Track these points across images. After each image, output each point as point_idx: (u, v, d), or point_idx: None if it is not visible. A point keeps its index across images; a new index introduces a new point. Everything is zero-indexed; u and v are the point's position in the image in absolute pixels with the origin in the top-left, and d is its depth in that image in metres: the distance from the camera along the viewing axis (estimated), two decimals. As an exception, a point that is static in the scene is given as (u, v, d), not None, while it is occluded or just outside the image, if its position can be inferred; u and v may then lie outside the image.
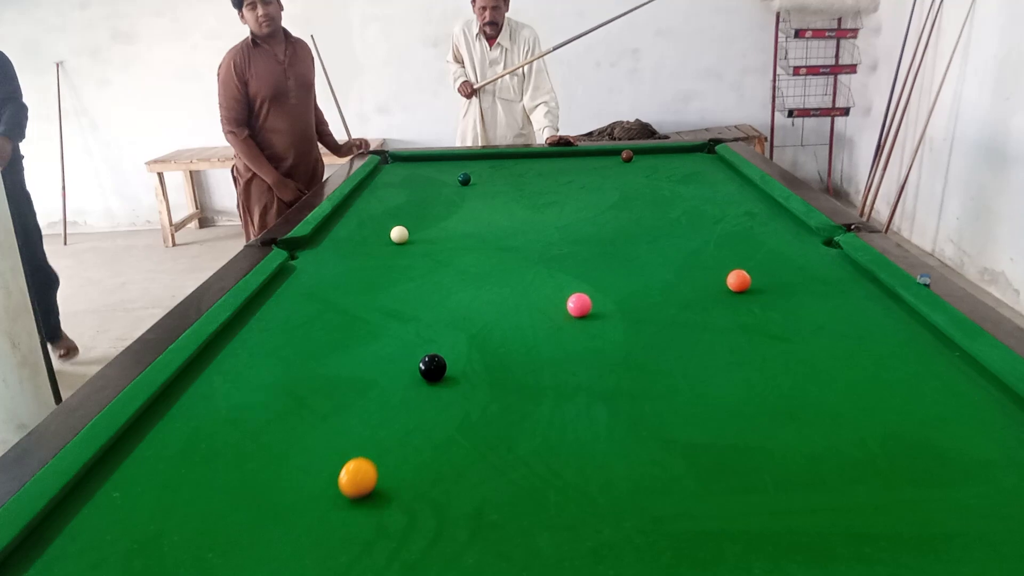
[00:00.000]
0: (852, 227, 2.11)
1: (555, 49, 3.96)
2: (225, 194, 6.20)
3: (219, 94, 3.27)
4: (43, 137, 5.91)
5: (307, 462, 1.19)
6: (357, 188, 2.98)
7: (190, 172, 6.00)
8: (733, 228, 2.32)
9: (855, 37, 5.43)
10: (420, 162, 3.53)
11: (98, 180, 6.16)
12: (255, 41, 3.27)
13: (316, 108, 3.57)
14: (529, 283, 1.94)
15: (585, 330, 1.64)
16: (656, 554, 0.96)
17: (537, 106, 3.91)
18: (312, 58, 3.48)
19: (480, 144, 4.02)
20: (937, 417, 1.24)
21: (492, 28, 3.84)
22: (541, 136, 3.84)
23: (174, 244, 5.75)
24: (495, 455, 1.18)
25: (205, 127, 5.96)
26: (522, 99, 3.99)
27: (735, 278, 1.78)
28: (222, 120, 3.29)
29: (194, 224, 6.15)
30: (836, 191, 5.94)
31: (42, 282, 3.58)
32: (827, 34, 5.46)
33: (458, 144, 4.16)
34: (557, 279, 1.95)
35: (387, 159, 3.55)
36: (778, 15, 5.50)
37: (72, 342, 3.87)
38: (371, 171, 3.27)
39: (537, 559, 0.96)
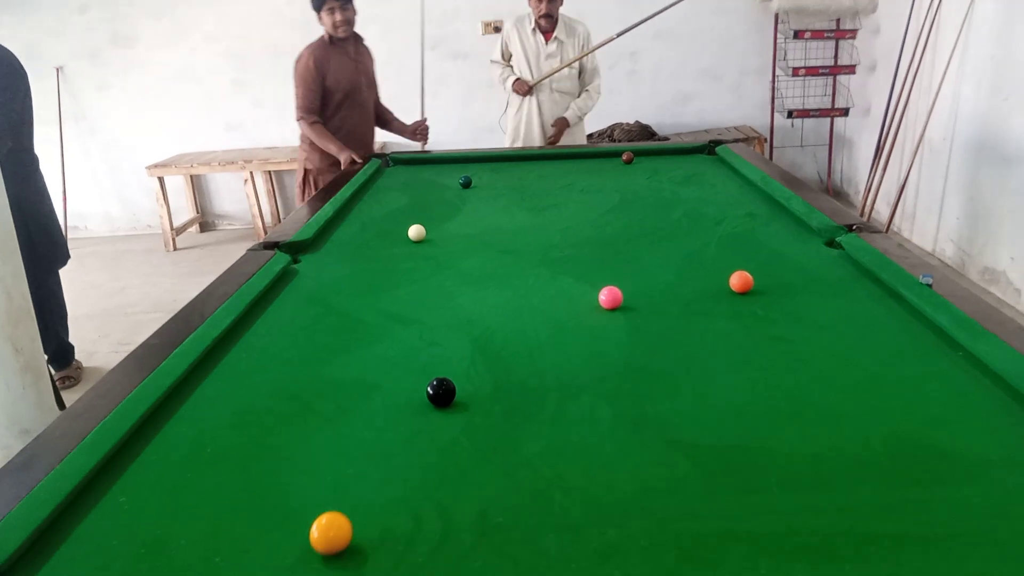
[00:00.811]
0: (853, 227, 2.12)
1: (617, 36, 4.14)
2: (225, 198, 6.21)
3: (296, 84, 3.62)
4: (43, 141, 5.87)
5: (312, 465, 1.19)
6: (359, 191, 2.99)
7: (191, 176, 6.00)
8: (734, 229, 2.32)
9: (854, 38, 5.44)
10: (421, 165, 3.54)
11: (98, 185, 6.16)
12: (332, 39, 3.60)
13: (378, 101, 3.94)
14: (531, 285, 1.95)
15: (588, 332, 1.64)
16: (661, 554, 0.96)
17: (580, 93, 4.14)
18: (373, 57, 3.81)
19: (539, 139, 4.16)
20: (940, 417, 1.25)
21: (547, 21, 3.92)
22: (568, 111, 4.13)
23: (175, 248, 5.75)
24: (500, 457, 1.19)
25: (205, 131, 5.98)
26: (579, 92, 4.14)
27: (737, 279, 1.78)
28: (296, 108, 3.65)
29: (195, 228, 6.15)
30: (836, 192, 5.94)
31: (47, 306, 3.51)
32: (826, 35, 5.46)
33: (509, 143, 4.27)
34: (559, 281, 1.96)
35: (388, 162, 3.56)
36: (777, 16, 5.51)
37: (78, 368, 3.83)
38: (372, 174, 3.28)
39: (543, 560, 0.96)
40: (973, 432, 1.20)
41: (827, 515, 1.02)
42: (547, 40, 4.01)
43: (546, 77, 4.05)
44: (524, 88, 4.10)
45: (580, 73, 4.10)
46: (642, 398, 1.35)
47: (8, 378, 2.64)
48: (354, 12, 3.58)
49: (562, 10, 4.06)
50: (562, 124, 4.13)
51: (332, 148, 3.61)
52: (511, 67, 4.21)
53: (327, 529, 0.98)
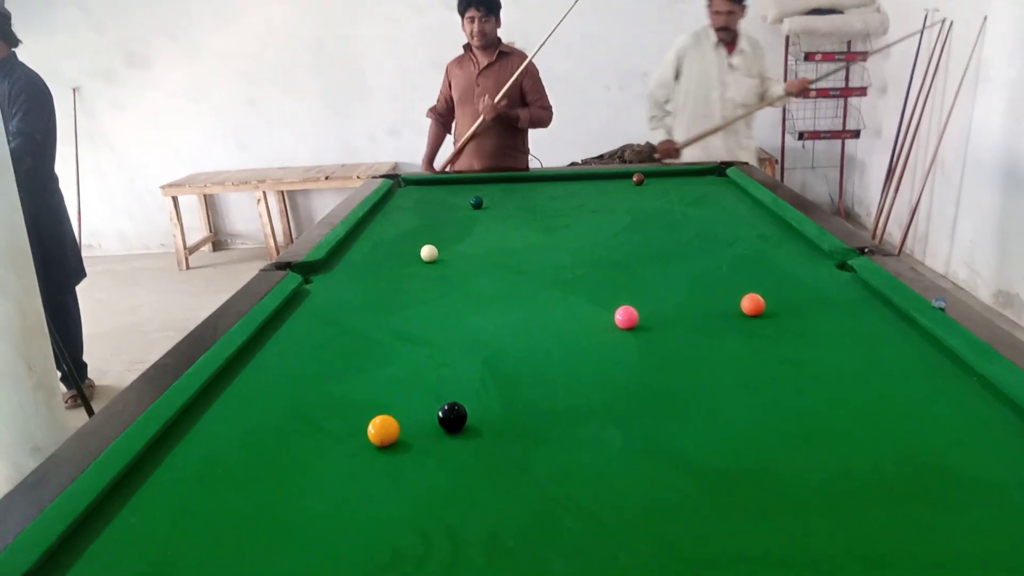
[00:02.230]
0: (865, 250, 2.12)
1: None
2: (238, 217, 6.26)
3: None
4: (59, 161, 5.95)
5: (322, 486, 1.19)
6: (371, 212, 3.00)
7: (204, 195, 6.05)
8: (745, 251, 2.32)
9: (865, 60, 5.45)
10: (433, 185, 3.55)
11: (112, 203, 6.22)
12: (468, 47, 3.74)
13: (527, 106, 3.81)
14: (542, 306, 1.95)
15: (598, 353, 1.64)
16: (672, 580, 0.95)
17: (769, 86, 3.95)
18: (521, 73, 3.68)
19: (724, 154, 3.89)
20: (952, 440, 1.24)
21: (725, 34, 3.82)
22: (778, 88, 3.93)
23: (188, 267, 5.79)
24: (509, 479, 1.19)
25: (219, 150, 6.04)
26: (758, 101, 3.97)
27: (749, 302, 1.78)
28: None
29: (208, 247, 6.20)
30: (848, 213, 5.93)
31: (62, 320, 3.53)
32: (836, 57, 5.47)
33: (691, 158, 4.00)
34: (570, 302, 1.96)
35: (400, 183, 3.58)
36: (787, 38, 5.53)
37: (90, 387, 3.82)
38: (384, 195, 3.30)
39: (553, 585, 0.96)
40: (985, 455, 1.19)
41: (838, 538, 1.01)
42: (730, 52, 3.87)
43: (698, 139, 3.92)
44: (671, 151, 3.98)
45: (760, 81, 3.93)
46: (652, 420, 1.35)
47: (21, 395, 2.65)
48: (495, 24, 3.64)
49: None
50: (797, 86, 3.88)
51: (426, 147, 3.92)
52: (668, 114, 4.06)
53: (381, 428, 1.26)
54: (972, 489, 1.11)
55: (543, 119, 3.80)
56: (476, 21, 3.56)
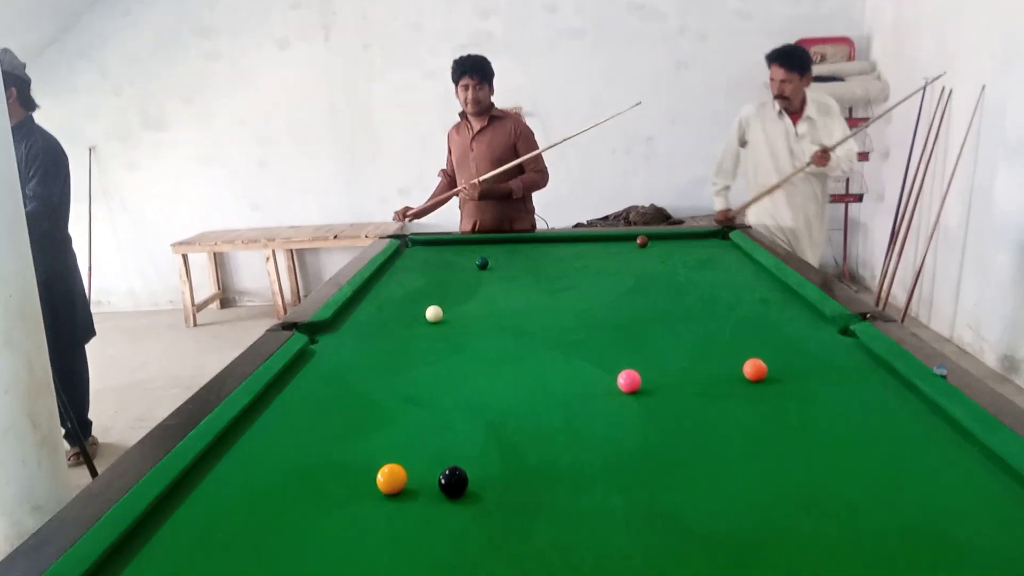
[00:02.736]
0: (867, 316, 2.13)
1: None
2: (247, 275, 6.31)
3: None
4: (74, 219, 6.04)
5: (323, 550, 1.19)
6: (378, 272, 3.04)
7: (214, 253, 6.12)
8: (748, 315, 2.34)
9: (867, 126, 5.53)
10: (439, 246, 3.60)
11: (123, 261, 6.29)
12: (463, 114, 3.83)
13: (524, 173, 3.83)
14: (546, 368, 1.96)
15: (602, 417, 1.65)
16: (673, 653, 0.94)
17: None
18: (514, 135, 3.77)
19: (790, 220, 3.84)
20: (957, 511, 1.23)
21: (786, 103, 3.67)
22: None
23: (195, 324, 5.82)
24: (511, 546, 1.18)
25: (231, 210, 6.13)
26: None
27: (751, 367, 1.78)
28: None
29: (216, 304, 6.24)
30: (852, 276, 5.95)
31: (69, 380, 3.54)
32: (839, 122, 5.56)
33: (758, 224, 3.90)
34: (574, 365, 1.97)
35: (407, 243, 3.62)
36: (790, 104, 5.63)
37: (93, 444, 3.82)
38: (391, 255, 3.34)
39: (552, 657, 0.95)
40: (990, 527, 1.18)
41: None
42: (795, 121, 3.71)
43: (751, 204, 3.83)
44: (729, 219, 3.83)
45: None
46: (656, 487, 1.34)
47: (24, 452, 2.65)
48: (488, 92, 3.72)
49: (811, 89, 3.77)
50: (820, 155, 3.58)
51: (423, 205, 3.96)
52: (727, 187, 3.98)
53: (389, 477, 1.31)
54: (977, 560, 1.10)
55: (536, 183, 3.81)
56: (470, 89, 3.65)
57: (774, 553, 1.13)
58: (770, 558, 1.12)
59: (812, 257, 3.91)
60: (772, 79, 3.67)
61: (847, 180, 5.81)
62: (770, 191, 3.76)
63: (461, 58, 3.68)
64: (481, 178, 3.61)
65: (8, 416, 2.61)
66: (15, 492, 2.65)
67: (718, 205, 3.99)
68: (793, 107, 3.71)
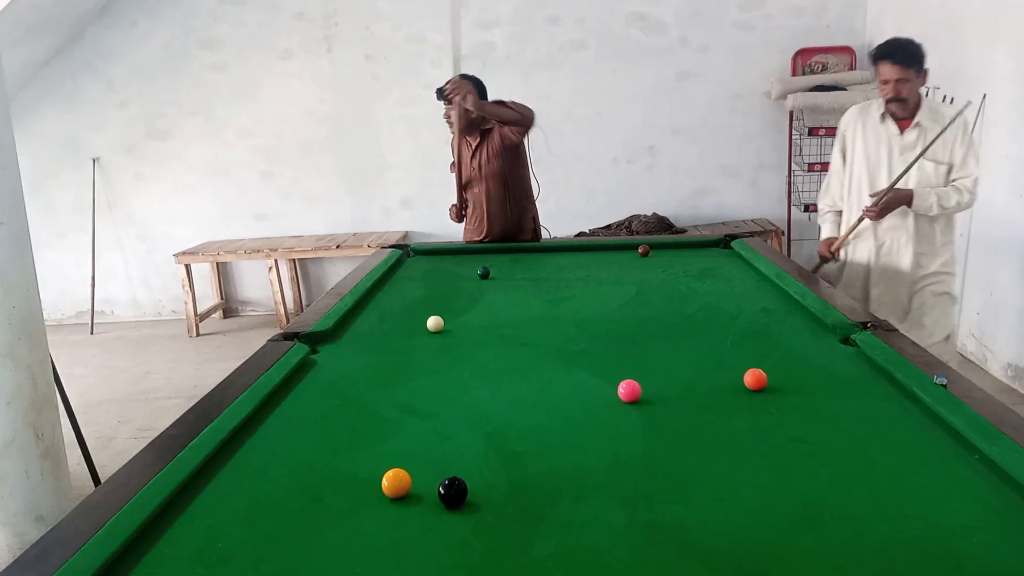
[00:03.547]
0: (868, 325, 2.12)
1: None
2: (250, 285, 6.32)
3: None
4: (77, 229, 6.10)
5: (323, 563, 1.19)
6: (379, 282, 3.04)
7: (217, 263, 6.14)
8: (750, 325, 2.34)
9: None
10: (441, 255, 3.60)
11: (126, 271, 6.31)
12: (462, 131, 3.74)
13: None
14: (547, 379, 1.96)
15: (603, 429, 1.64)
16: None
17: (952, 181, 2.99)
18: (499, 135, 3.67)
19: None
20: (959, 524, 1.22)
21: (900, 106, 2.98)
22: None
23: (198, 334, 5.83)
24: (511, 559, 1.18)
25: (234, 220, 6.14)
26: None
27: (751, 377, 1.78)
28: None
29: (218, 314, 6.24)
30: (855, 284, 5.95)
31: None
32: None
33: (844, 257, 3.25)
34: (575, 376, 1.97)
35: (409, 253, 3.63)
36: (791, 114, 5.64)
37: None
38: (393, 265, 3.34)
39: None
40: (992, 540, 1.18)
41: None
42: (902, 129, 3.03)
43: (845, 242, 3.16)
44: (827, 255, 3.25)
45: (948, 171, 2.99)
46: (656, 500, 1.34)
47: (28, 464, 2.66)
48: (460, 110, 3.59)
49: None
50: (895, 197, 2.96)
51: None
52: (837, 212, 3.29)
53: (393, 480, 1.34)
54: (977, 572, 1.09)
55: (519, 106, 3.61)
56: (447, 108, 3.67)
57: (775, 566, 1.13)
58: (771, 571, 1.12)
59: (932, 326, 3.12)
60: (883, 81, 2.97)
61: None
62: (854, 227, 3.12)
63: (454, 78, 3.63)
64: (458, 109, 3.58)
65: (12, 428, 2.63)
66: (18, 503, 2.66)
67: (824, 232, 3.37)
68: (907, 111, 3.02)
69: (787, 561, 1.15)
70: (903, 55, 2.95)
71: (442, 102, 3.61)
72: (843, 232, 3.19)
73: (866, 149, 3.12)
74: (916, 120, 3.00)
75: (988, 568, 1.11)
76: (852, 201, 3.18)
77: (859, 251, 3.20)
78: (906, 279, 3.10)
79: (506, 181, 3.74)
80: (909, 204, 2.99)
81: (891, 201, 2.97)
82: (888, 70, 2.95)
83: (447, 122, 3.74)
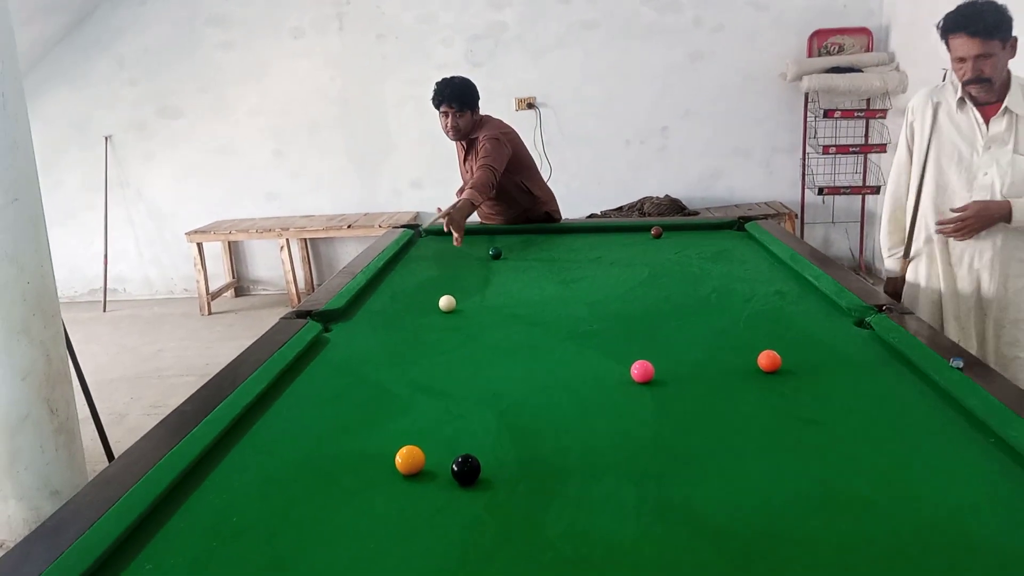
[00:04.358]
0: (883, 308, 2.11)
1: None
2: (261, 264, 6.33)
3: None
4: (89, 208, 6.12)
5: (335, 539, 1.19)
6: (391, 262, 3.04)
7: (228, 242, 6.15)
8: (763, 307, 2.32)
9: (884, 117, 5.48)
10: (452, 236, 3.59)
11: (138, 249, 6.33)
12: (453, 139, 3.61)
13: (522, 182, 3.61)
14: (558, 359, 1.96)
15: (614, 409, 1.64)
16: (685, 643, 0.94)
17: None
18: (488, 137, 3.48)
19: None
20: (971, 506, 1.22)
21: (980, 88, 2.37)
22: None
23: (210, 312, 5.85)
24: (523, 537, 1.18)
25: (245, 199, 6.15)
26: None
27: (765, 358, 1.78)
28: None
29: (230, 293, 6.26)
30: (868, 268, 5.91)
31: None
32: (856, 114, 5.52)
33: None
34: (586, 356, 1.97)
35: (420, 233, 3.62)
36: (807, 96, 5.59)
37: None
38: (404, 245, 3.34)
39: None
40: (1005, 522, 1.17)
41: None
42: (987, 117, 2.43)
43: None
44: (893, 292, 2.68)
45: None
46: (667, 480, 1.34)
47: (42, 439, 2.69)
48: (468, 120, 3.46)
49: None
50: (986, 211, 2.41)
51: None
52: (903, 238, 2.68)
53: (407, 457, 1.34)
54: (992, 558, 1.09)
55: (480, 180, 3.31)
56: (449, 116, 3.45)
57: (785, 547, 1.13)
58: (781, 552, 1.12)
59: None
60: (959, 59, 2.36)
61: (864, 172, 5.77)
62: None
63: (440, 84, 3.45)
64: (444, 210, 3.23)
65: (26, 404, 2.65)
66: (33, 478, 2.69)
67: (889, 265, 2.76)
68: (992, 94, 2.39)
69: (797, 541, 1.14)
70: (983, 24, 2.29)
71: (440, 110, 3.46)
72: (909, 248, 2.63)
73: (939, 144, 2.53)
74: (1005, 105, 2.39)
75: (999, 549, 1.10)
76: (925, 212, 2.62)
77: (929, 273, 2.62)
78: (990, 307, 2.51)
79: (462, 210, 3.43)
80: (1007, 220, 2.38)
81: (981, 215, 2.39)
82: (964, 44, 2.32)
83: (446, 132, 3.56)
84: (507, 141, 3.49)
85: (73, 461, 2.79)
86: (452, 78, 3.48)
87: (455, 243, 3.12)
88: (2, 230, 2.57)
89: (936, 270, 2.60)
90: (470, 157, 3.58)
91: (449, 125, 3.49)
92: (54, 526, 1.19)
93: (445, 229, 3.19)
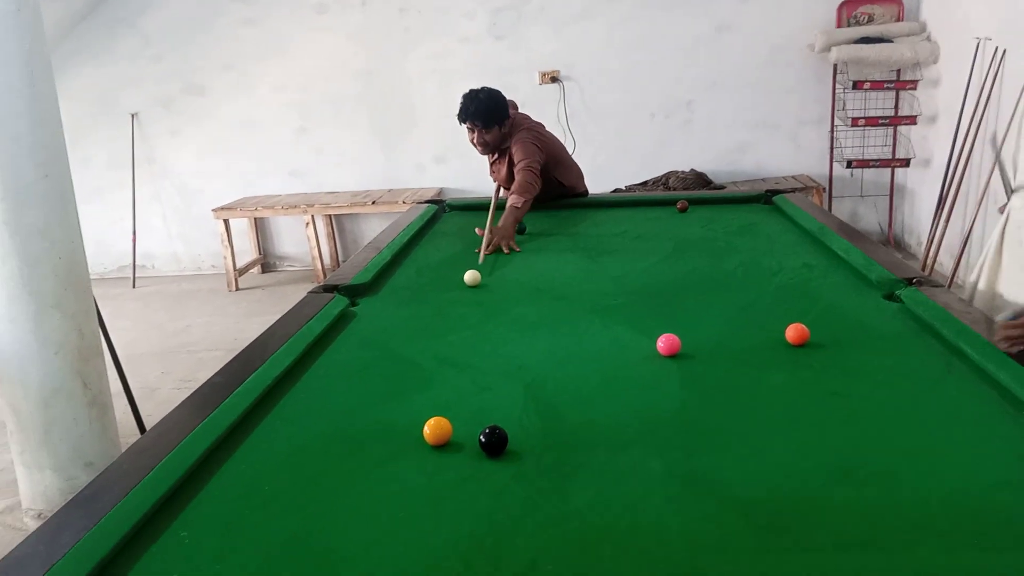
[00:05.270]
0: (913, 281, 2.08)
1: None
2: (287, 240, 6.37)
3: None
4: (117, 184, 6.18)
5: (363, 509, 1.21)
6: (416, 237, 3.05)
7: (254, 219, 6.19)
8: (790, 280, 2.30)
9: (914, 89, 5.38)
10: (477, 211, 3.59)
11: (166, 226, 6.39)
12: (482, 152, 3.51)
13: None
14: (584, 333, 1.96)
15: (640, 381, 1.64)
16: (712, 611, 0.95)
17: None
18: (518, 142, 3.38)
19: None
20: (1001, 479, 1.21)
21: None
22: None
23: (237, 288, 5.91)
24: (549, 505, 1.19)
25: (270, 176, 6.18)
26: None
27: (794, 331, 1.76)
28: None
29: (257, 269, 6.32)
30: (897, 242, 5.84)
31: None
32: (885, 86, 5.42)
33: None
34: (612, 329, 1.96)
35: (445, 209, 3.62)
36: (835, 67, 5.49)
37: None
38: (429, 220, 3.34)
39: (591, 612, 0.96)
40: (1037, 496, 1.16)
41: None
42: None
43: None
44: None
45: None
46: (693, 451, 1.34)
47: (76, 412, 2.74)
48: (495, 135, 3.34)
49: None
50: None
51: None
52: None
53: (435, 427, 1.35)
54: (1019, 529, 1.08)
55: (522, 184, 3.18)
56: (475, 133, 3.35)
57: (811, 519, 1.13)
58: (806, 524, 1.12)
59: None
60: None
61: (894, 144, 5.67)
62: None
63: (464, 99, 3.31)
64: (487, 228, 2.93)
65: (60, 377, 2.70)
66: (68, 449, 2.74)
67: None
68: None
69: (822, 511, 1.14)
70: None
71: (464, 125, 3.34)
72: None
73: None
74: None
75: (1032, 524, 1.09)
76: None
77: None
78: None
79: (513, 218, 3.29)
80: None
81: None
82: None
83: (474, 146, 3.44)
84: (538, 143, 3.37)
85: (106, 433, 2.85)
86: (477, 93, 3.31)
87: (506, 251, 2.84)
88: (33, 206, 2.60)
89: None
90: (498, 161, 3.49)
91: (476, 141, 3.38)
92: (90, 495, 1.22)
93: (501, 249, 2.84)
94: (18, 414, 2.72)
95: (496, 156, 3.49)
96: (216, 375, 1.68)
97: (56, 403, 2.70)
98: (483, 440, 1.33)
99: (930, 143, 5.42)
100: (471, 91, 3.32)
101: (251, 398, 1.54)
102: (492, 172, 3.57)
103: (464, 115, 3.31)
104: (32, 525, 2.78)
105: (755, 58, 5.65)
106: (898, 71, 5.43)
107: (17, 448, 2.78)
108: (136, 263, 6.23)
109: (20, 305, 2.62)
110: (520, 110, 3.67)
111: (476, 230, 2.86)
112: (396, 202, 5.65)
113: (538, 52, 5.75)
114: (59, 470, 2.75)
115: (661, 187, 5.52)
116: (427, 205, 3.58)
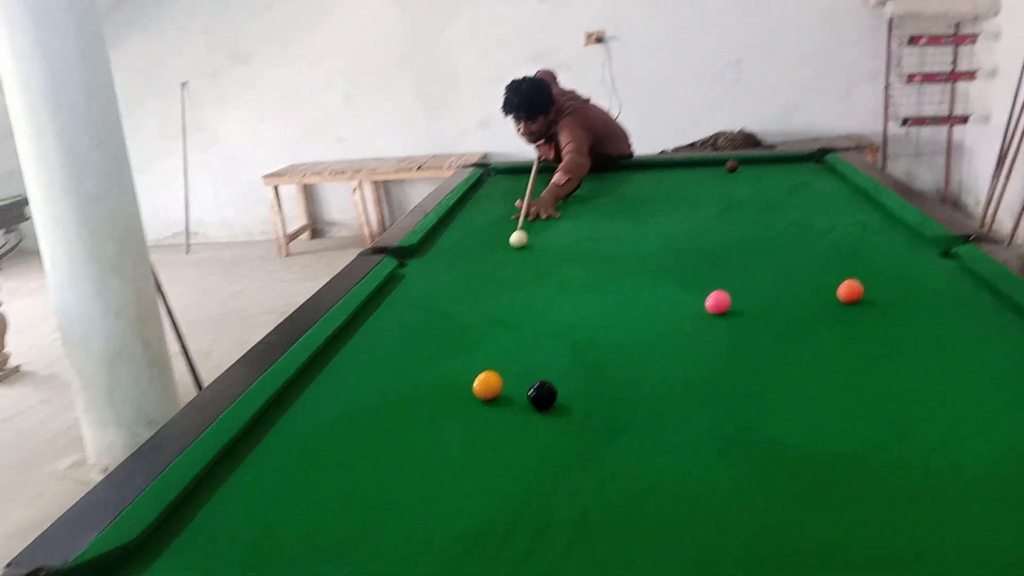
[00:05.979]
0: (971, 238, 2.03)
1: None
2: (335, 206, 6.44)
3: None
4: (168, 153, 6.30)
5: (414, 466, 1.23)
6: (461, 200, 3.06)
7: (303, 185, 6.27)
8: (843, 239, 2.26)
9: (974, 43, 5.18)
10: (521, 175, 3.58)
11: (216, 193, 6.51)
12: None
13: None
14: (631, 293, 1.95)
15: (687, 341, 1.64)
16: (760, 567, 0.95)
17: None
18: (564, 128, 3.32)
19: None
20: (1062, 438, 1.18)
21: None
22: None
23: (287, 254, 6.01)
24: (598, 462, 1.20)
25: (317, 143, 6.23)
26: None
27: (846, 288, 1.74)
28: None
29: (306, 235, 6.41)
30: (954, 202, 5.67)
31: None
32: (943, 40, 5.23)
33: None
34: (659, 290, 1.95)
35: (490, 172, 3.62)
36: (891, 21, 5.31)
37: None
38: (474, 183, 3.35)
39: (639, 565, 0.97)
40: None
41: (934, 533, 0.98)
42: None
43: None
44: None
45: None
46: (743, 410, 1.34)
47: (137, 371, 2.83)
48: (541, 124, 3.29)
49: None
50: None
51: None
52: None
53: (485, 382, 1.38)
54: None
55: (569, 164, 3.13)
56: (521, 124, 3.30)
57: (864, 475, 1.12)
58: (860, 480, 1.11)
59: None
60: None
61: (951, 101, 5.48)
62: None
63: (508, 90, 3.25)
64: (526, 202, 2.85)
65: (121, 339, 2.79)
66: (130, 409, 2.85)
67: None
68: None
69: (875, 468, 1.13)
70: None
71: (510, 118, 3.29)
72: None
73: None
74: None
75: (1095, 481, 1.07)
76: None
77: None
78: None
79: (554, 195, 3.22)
80: None
81: None
82: None
83: (521, 136, 3.40)
84: (583, 124, 3.31)
85: (166, 393, 2.95)
86: (519, 84, 3.24)
87: (543, 217, 2.80)
88: (89, 174, 2.68)
89: None
90: (545, 145, 3.44)
91: (522, 131, 3.34)
92: (155, 445, 1.27)
93: (538, 216, 2.80)
94: (82, 374, 2.82)
95: (543, 141, 3.45)
96: (271, 333, 1.72)
97: (118, 364, 2.80)
98: (533, 394, 1.35)
99: (990, 99, 5.22)
100: (513, 82, 3.27)
101: (303, 357, 1.58)
102: (539, 155, 3.52)
103: (508, 108, 3.27)
104: (98, 479, 2.90)
105: (807, 13, 5.49)
106: (957, 24, 5.23)
107: (82, 406, 2.89)
108: (189, 230, 6.37)
109: (82, 270, 2.71)
110: (564, 75, 3.56)
111: (517, 202, 2.83)
112: (441, 167, 5.66)
113: (583, 13, 5.67)
114: (123, 427, 2.85)
115: (709, 148, 5.44)
116: (472, 168, 3.58)
